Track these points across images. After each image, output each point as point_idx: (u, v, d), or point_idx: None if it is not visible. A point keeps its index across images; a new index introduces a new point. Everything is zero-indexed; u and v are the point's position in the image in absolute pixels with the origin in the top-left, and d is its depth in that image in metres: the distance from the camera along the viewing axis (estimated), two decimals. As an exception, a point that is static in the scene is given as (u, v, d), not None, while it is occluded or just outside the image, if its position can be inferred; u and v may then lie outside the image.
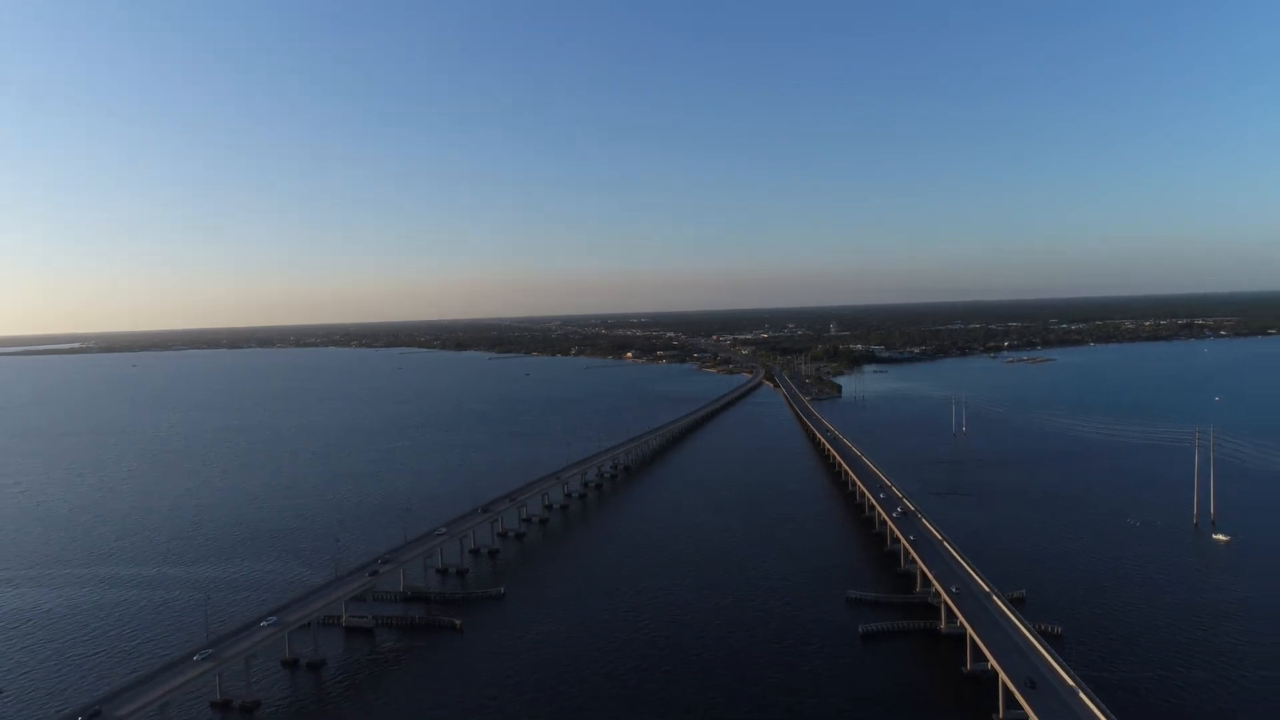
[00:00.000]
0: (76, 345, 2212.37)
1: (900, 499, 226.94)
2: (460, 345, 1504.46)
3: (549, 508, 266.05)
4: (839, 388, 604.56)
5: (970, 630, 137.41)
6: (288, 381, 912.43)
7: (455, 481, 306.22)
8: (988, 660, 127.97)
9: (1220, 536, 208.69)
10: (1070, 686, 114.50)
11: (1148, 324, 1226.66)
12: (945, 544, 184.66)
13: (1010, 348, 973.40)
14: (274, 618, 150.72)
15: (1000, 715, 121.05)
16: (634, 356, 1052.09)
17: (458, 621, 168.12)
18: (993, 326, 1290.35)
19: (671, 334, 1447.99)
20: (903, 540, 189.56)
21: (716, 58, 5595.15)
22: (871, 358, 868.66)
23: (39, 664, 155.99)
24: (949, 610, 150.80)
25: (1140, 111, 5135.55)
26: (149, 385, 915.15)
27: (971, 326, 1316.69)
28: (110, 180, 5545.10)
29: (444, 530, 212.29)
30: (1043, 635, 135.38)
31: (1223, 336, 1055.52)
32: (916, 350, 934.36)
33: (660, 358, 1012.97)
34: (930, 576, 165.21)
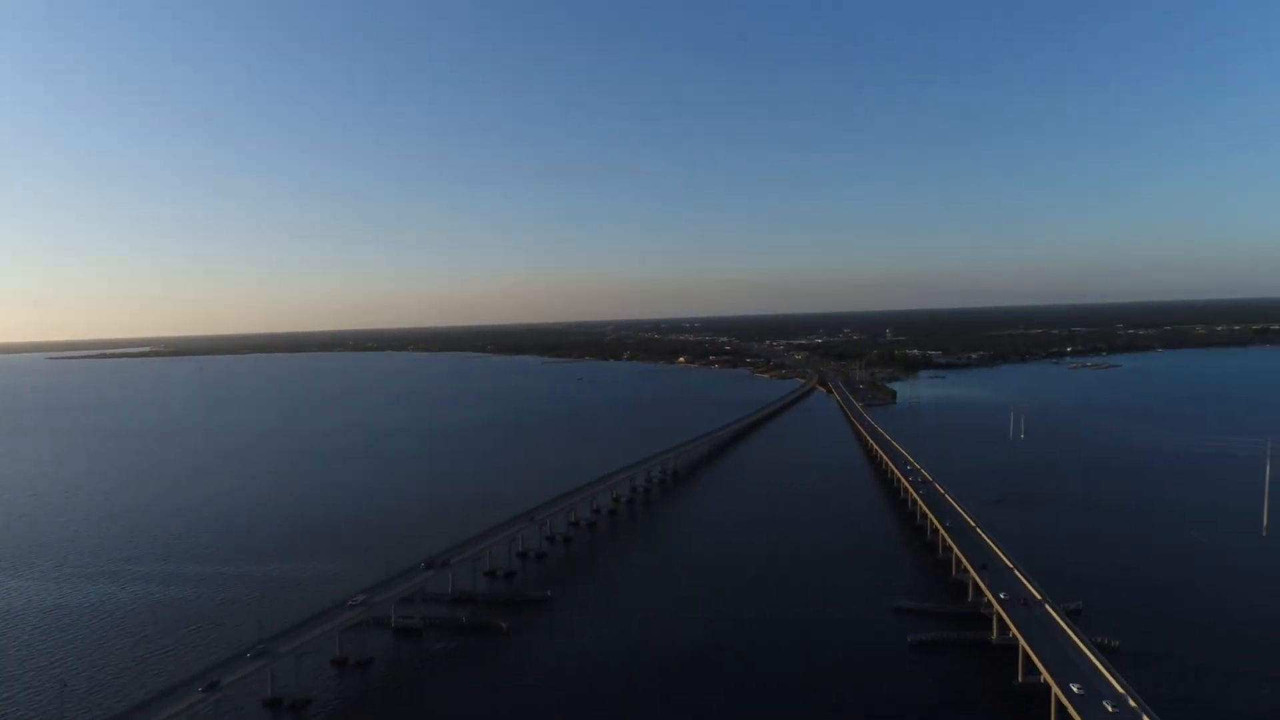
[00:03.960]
0: (146, 349, 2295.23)
1: (957, 509, 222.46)
2: (514, 350, 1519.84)
3: (598, 512, 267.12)
4: (893, 393, 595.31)
5: (1022, 641, 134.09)
6: (347, 384, 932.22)
7: (505, 485, 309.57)
8: (1040, 673, 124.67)
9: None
10: (1133, 707, 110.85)
11: (1220, 329, 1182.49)
12: (996, 550, 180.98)
13: (1074, 353, 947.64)
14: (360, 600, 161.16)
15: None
16: (687, 361, 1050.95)
17: (503, 624, 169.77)
18: (1055, 331, 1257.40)
19: (725, 339, 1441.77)
20: (962, 557, 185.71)
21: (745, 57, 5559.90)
22: (928, 363, 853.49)
23: (103, 658, 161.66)
24: (1001, 621, 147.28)
25: (1200, 106, 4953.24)
26: (226, 387, 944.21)
27: (1033, 332, 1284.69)
28: (164, 188, 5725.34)
29: (493, 533, 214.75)
30: (1099, 648, 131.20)
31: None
32: (974, 356, 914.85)
33: (713, 363, 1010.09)
34: (981, 584, 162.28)
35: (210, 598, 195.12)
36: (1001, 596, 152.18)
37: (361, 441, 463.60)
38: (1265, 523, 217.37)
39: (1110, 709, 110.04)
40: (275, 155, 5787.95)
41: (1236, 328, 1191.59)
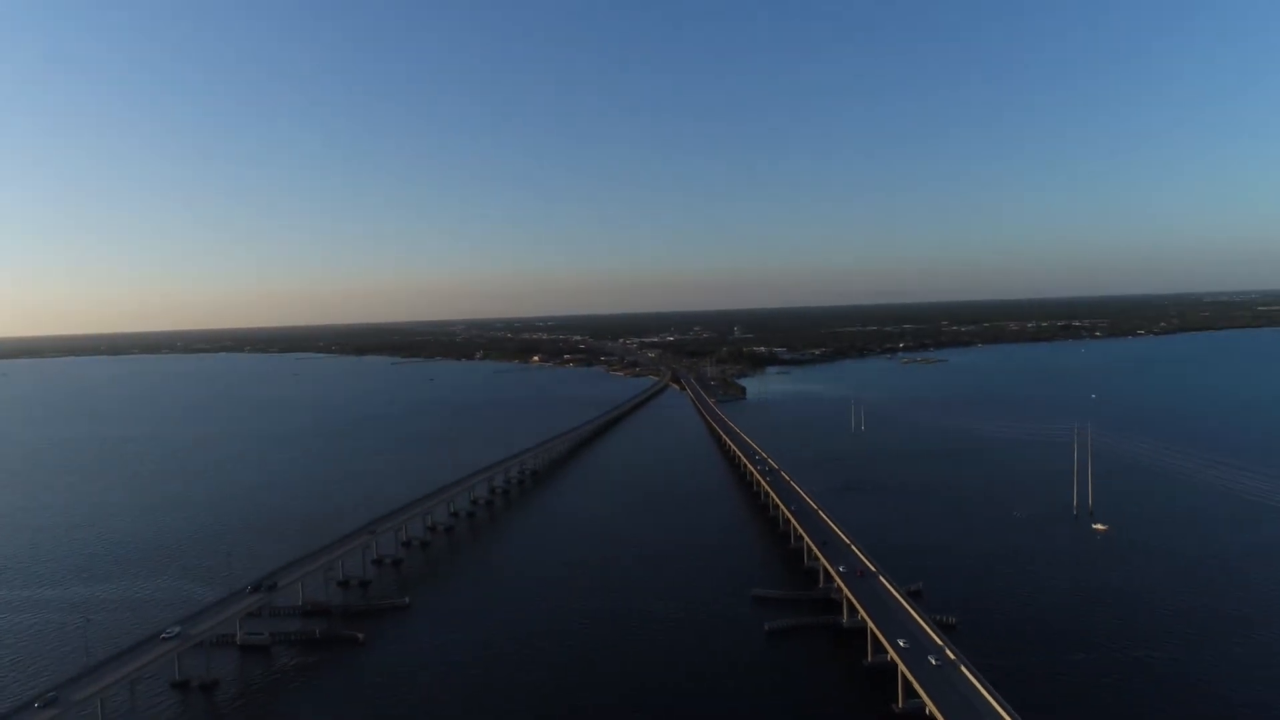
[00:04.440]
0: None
1: (802, 496, 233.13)
2: (360, 350, 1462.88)
3: (456, 515, 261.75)
4: (743, 389, 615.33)
5: (870, 623, 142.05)
6: (177, 391, 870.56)
7: (358, 491, 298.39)
8: (887, 652, 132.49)
9: (1099, 526, 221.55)
10: (968, 679, 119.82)
11: (1030, 326, 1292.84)
12: (836, 530, 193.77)
13: (905, 349, 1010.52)
14: (175, 631, 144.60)
15: (900, 704, 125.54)
16: (541, 360, 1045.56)
17: (359, 635, 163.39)
18: (888, 329, 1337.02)
19: (579, 337, 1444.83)
20: (806, 538, 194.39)
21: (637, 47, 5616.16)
22: (774, 360, 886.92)
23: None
24: (850, 604, 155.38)
25: (1017, 120, 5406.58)
26: (39, 395, 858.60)
27: (869, 329, 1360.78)
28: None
29: (345, 541, 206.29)
30: (939, 626, 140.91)
31: (1097, 338, 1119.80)
32: (817, 352, 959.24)
33: (568, 361, 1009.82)
34: (824, 561, 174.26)
35: (32, 624, 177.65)
36: (840, 569, 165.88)
37: (204, 451, 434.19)
38: (1075, 502, 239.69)
39: (933, 661, 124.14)
40: (90, 149, 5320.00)
41: (1044, 324, 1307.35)
